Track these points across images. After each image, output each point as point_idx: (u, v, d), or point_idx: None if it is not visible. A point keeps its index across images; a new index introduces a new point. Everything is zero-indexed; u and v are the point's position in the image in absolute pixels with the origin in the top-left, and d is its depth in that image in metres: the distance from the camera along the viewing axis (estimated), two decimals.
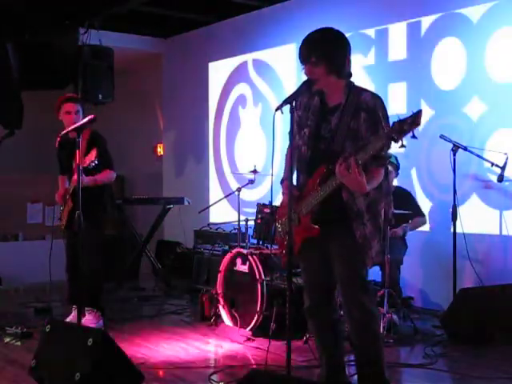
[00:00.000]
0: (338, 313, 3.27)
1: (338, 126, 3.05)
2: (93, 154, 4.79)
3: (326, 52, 3.05)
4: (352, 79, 3.20)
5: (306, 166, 3.17)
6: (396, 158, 5.41)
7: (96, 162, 4.77)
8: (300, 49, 3.12)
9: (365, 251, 3.08)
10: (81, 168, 4.79)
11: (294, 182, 3.27)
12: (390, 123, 3.02)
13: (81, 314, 4.94)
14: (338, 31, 3.15)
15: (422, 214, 5.60)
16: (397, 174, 5.42)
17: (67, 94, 5.52)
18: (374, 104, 2.89)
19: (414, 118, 2.69)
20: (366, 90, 3.09)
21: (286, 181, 3.28)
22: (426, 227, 5.82)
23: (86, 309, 5.20)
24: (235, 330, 5.03)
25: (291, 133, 3.20)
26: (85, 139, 5.17)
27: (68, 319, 5.15)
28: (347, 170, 2.87)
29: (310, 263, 3.31)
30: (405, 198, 5.48)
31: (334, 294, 3.24)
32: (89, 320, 5.18)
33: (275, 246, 5.32)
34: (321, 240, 3.18)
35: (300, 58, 3.13)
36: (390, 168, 3.82)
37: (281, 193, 3.40)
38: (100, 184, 5.17)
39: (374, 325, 3.18)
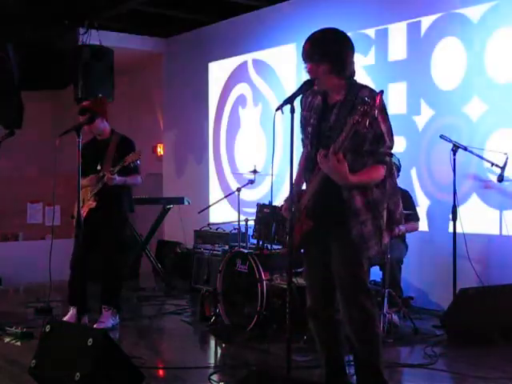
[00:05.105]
0: (339, 313, 3.27)
1: (336, 123, 3.07)
2: (136, 155, 5.02)
3: (327, 51, 3.06)
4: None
5: (311, 164, 3.18)
6: (398, 159, 5.41)
7: (138, 162, 5.04)
8: (303, 47, 3.13)
9: (361, 251, 3.07)
10: (119, 166, 4.95)
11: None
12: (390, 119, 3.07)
13: (81, 314, 5.01)
14: (341, 31, 3.16)
15: (416, 219, 5.55)
16: (398, 175, 5.41)
17: (80, 105, 5.50)
18: (370, 99, 2.89)
19: (375, 100, 2.78)
20: (365, 87, 3.10)
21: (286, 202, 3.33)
22: (425, 227, 5.82)
23: (103, 306, 5.24)
24: (235, 329, 5.03)
25: (303, 141, 3.26)
26: (115, 142, 5.24)
27: (65, 318, 5.16)
28: (325, 157, 2.90)
29: (312, 263, 3.31)
30: (404, 198, 5.45)
31: (335, 294, 3.23)
32: (105, 318, 5.21)
33: (275, 246, 5.34)
34: (322, 240, 3.18)
35: (302, 56, 3.14)
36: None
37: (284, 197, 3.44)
38: (127, 186, 5.30)
39: (372, 325, 3.17)
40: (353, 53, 3.14)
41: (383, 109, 3.05)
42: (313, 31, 3.17)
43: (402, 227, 5.31)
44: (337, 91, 3.13)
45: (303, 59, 3.14)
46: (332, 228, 3.15)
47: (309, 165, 3.22)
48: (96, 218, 5.13)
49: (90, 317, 5.26)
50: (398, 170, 5.40)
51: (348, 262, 3.12)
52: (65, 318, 5.16)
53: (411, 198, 5.65)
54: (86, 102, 5.49)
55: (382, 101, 3.03)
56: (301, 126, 3.27)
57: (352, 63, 3.14)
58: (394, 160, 5.13)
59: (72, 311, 5.24)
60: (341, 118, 3.04)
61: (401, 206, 3.24)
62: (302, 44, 3.16)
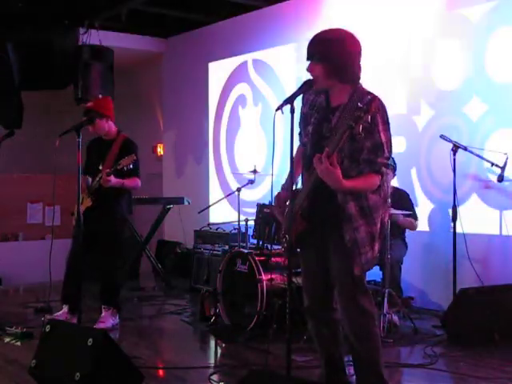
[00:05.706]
0: (337, 313, 3.27)
1: (337, 125, 3.05)
2: (130, 159, 4.98)
3: (327, 51, 3.02)
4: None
5: (308, 164, 3.17)
6: (393, 159, 5.40)
7: (131, 167, 4.99)
8: (307, 45, 3.12)
9: (353, 256, 3.06)
10: (112, 169, 4.93)
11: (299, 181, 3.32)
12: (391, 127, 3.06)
13: (73, 312, 5.03)
14: (348, 33, 3.08)
15: (415, 218, 5.56)
16: (394, 175, 5.40)
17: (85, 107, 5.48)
18: (364, 104, 2.87)
19: (368, 106, 2.77)
20: (369, 93, 3.05)
21: (282, 191, 3.33)
22: (425, 227, 5.82)
23: (102, 306, 5.27)
24: (235, 329, 5.03)
25: (300, 135, 3.26)
26: (118, 144, 5.24)
27: (56, 315, 5.18)
28: (320, 160, 2.89)
29: (308, 264, 3.31)
30: (403, 198, 5.47)
31: (333, 294, 3.23)
32: (105, 318, 5.22)
33: (275, 246, 5.34)
34: (318, 241, 3.18)
35: (307, 54, 3.12)
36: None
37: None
38: (125, 188, 5.27)
39: (371, 325, 3.17)
40: (357, 56, 3.06)
41: (385, 118, 3.02)
42: (313, 31, 3.15)
43: (401, 217, 5.30)
44: (338, 94, 3.10)
45: (306, 57, 3.13)
46: (327, 229, 3.15)
47: (306, 164, 3.21)
48: (93, 218, 5.12)
49: (90, 317, 5.27)
50: (394, 169, 5.40)
51: (344, 263, 3.11)
52: (55, 315, 5.20)
53: (409, 197, 5.65)
54: (90, 103, 5.48)
55: (383, 110, 3.00)
56: (300, 122, 3.27)
57: (355, 66, 3.06)
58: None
59: (64, 309, 5.27)
60: (342, 122, 3.02)
61: (389, 211, 3.25)
62: (305, 43, 3.15)
